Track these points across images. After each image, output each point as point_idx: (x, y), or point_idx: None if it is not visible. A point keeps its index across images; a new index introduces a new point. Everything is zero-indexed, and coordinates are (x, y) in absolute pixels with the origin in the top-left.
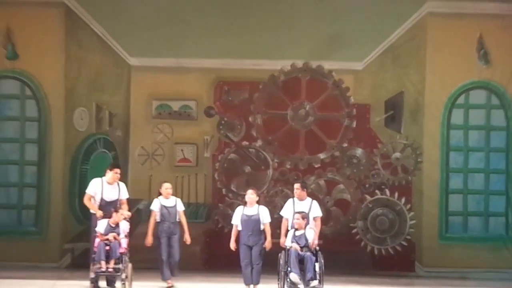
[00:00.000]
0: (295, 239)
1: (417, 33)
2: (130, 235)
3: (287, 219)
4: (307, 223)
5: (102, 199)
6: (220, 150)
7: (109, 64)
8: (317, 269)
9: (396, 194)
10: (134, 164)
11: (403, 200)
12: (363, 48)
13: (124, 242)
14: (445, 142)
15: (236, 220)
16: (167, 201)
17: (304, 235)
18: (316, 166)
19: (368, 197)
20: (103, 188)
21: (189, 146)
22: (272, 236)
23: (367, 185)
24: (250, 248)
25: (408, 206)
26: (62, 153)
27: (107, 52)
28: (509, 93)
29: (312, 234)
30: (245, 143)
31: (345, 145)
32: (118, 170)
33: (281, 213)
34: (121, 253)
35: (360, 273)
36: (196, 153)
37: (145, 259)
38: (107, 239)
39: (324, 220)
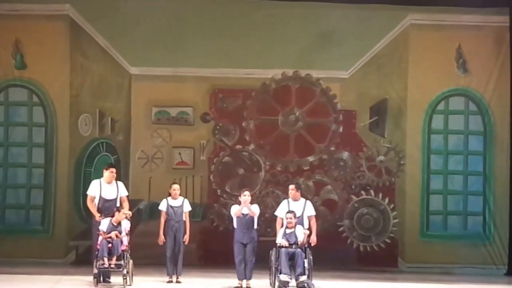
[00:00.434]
0: (286, 236)
1: (400, 44)
2: (131, 233)
3: (282, 218)
4: (298, 223)
5: (101, 198)
6: (216, 153)
7: (111, 73)
8: (306, 265)
9: (380, 195)
10: (134, 166)
11: (386, 200)
12: (349, 58)
13: (125, 240)
14: (426, 146)
15: (234, 215)
16: (174, 202)
17: (294, 233)
18: (305, 168)
19: (354, 197)
20: (102, 187)
21: (187, 150)
22: (262, 235)
23: (353, 186)
24: (244, 245)
25: (392, 205)
26: (67, 156)
27: (109, 62)
28: (486, 100)
29: (302, 233)
30: (238, 147)
31: (333, 148)
32: (113, 169)
33: (276, 213)
34: (123, 250)
35: (347, 269)
36: (193, 156)
37: (145, 256)
38: (110, 237)
39: None
